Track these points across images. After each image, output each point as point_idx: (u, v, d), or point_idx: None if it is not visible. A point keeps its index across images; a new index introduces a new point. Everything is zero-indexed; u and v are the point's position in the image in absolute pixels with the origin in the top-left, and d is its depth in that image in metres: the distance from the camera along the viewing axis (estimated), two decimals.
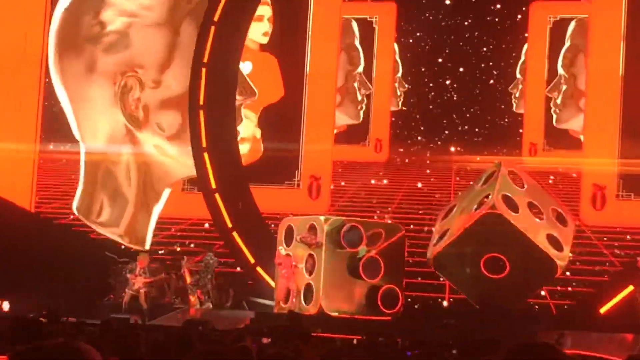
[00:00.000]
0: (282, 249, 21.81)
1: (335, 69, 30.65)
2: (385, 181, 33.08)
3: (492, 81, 33.96)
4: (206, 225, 27.37)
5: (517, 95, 33.86)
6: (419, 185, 32.15)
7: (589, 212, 26.35)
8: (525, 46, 33.26)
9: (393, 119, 34.61)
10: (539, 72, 32.76)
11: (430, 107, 34.35)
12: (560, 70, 32.54)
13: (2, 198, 26.65)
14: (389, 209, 29.35)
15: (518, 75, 33.74)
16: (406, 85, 35.01)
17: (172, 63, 27.34)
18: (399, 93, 35.17)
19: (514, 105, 34.04)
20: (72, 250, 25.40)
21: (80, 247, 25.93)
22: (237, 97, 26.84)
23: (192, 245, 27.22)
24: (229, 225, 25.40)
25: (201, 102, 25.69)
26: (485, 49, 34.21)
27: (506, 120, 33.98)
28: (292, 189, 28.99)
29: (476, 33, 34.07)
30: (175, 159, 27.33)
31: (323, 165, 29.65)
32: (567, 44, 32.41)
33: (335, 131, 31.77)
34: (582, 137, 29.30)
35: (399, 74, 35.05)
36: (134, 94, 27.32)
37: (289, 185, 28.99)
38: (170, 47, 27.46)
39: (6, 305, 22.23)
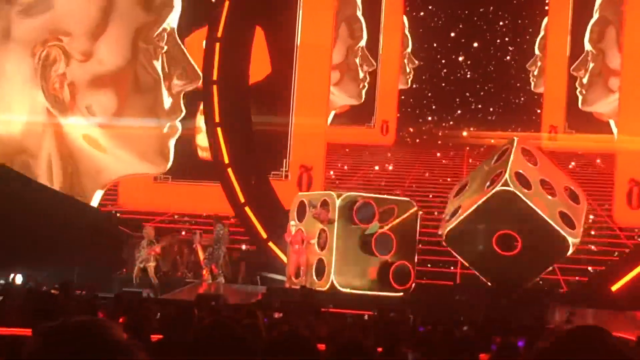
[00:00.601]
0: (293, 225, 21.82)
1: (330, 42, 27.82)
2: (390, 167, 31.48)
3: (507, 57, 32.92)
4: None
5: (535, 73, 32.55)
6: (427, 174, 30.57)
7: (623, 211, 24.62)
8: (546, 19, 31.44)
9: (402, 97, 33.15)
10: (560, 48, 30.51)
11: (443, 84, 33.28)
12: (587, 46, 29.95)
13: (19, 173, 26.41)
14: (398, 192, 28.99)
15: (537, 52, 32.44)
16: (416, 62, 33.45)
17: (106, 31, 22.68)
18: (408, 70, 33.74)
19: (532, 84, 32.82)
20: (85, 224, 25.45)
21: (93, 221, 25.96)
22: (176, 81, 22.99)
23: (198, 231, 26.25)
24: (242, 200, 25.44)
25: (215, 77, 25.63)
26: (501, 23, 32.99)
27: (522, 99, 33.01)
28: (279, 180, 26.64)
29: (491, 8, 32.76)
30: (110, 152, 23.07)
31: (315, 152, 26.99)
32: (595, 16, 29.68)
33: (333, 113, 30.91)
34: (611, 122, 27.73)
35: (409, 50, 33.55)
36: (57, 68, 22.43)
37: (276, 177, 26.59)
38: (103, 10, 22.64)
39: (19, 278, 22.31)
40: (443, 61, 33.06)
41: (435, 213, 24.95)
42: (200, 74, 24.27)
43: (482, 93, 32.77)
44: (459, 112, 33.09)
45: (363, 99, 32.19)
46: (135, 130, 23.28)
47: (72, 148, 22.90)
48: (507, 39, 32.77)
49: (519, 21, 32.33)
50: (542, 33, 32.22)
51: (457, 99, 33.01)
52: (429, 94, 33.55)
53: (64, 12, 22.27)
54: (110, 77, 22.65)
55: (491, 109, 32.91)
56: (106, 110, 22.66)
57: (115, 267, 24.67)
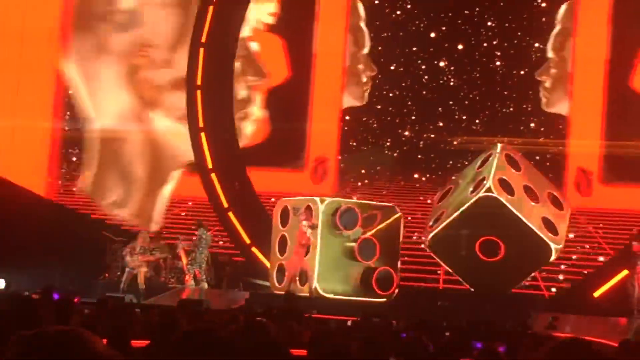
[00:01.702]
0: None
1: (342, 50, 30.01)
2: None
3: (498, 63, 30.09)
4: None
5: (548, 84, 28.68)
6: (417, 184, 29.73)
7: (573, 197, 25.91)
8: (563, 7, 29.12)
9: (350, 118, 30.86)
10: (596, 49, 27.45)
11: (424, 92, 30.56)
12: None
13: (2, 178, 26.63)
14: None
15: (550, 54, 28.77)
16: (375, 68, 30.93)
17: (183, 43, 27.12)
18: (364, 79, 30.96)
19: (544, 100, 29.00)
20: (68, 228, 25.38)
21: (77, 226, 25.90)
22: (250, 77, 26.82)
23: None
24: (225, 205, 25.40)
25: (199, 82, 25.64)
26: (489, 23, 30.06)
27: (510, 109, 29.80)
28: (298, 171, 28.71)
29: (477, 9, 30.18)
30: (187, 139, 27.05)
31: (330, 146, 29.30)
32: (558, 27, 29.84)
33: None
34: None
35: (365, 51, 30.70)
36: (145, 74, 27.56)
37: (295, 168, 28.61)
38: (181, 27, 27.45)
39: (1, 283, 22.23)
40: (424, 67, 30.45)
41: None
42: (266, 72, 28.59)
43: (466, 102, 29.80)
44: (440, 124, 29.94)
45: (366, 100, 31.06)
46: None
47: (156, 136, 27.77)
48: (494, 42, 29.83)
49: (507, 24, 29.68)
50: (557, 27, 28.59)
51: (440, 108, 30.16)
52: (409, 102, 30.54)
53: (150, 29, 27.54)
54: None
55: (477, 120, 29.86)
56: (183, 107, 26.42)
57: (97, 272, 24.62)
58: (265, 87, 29.35)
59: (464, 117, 29.40)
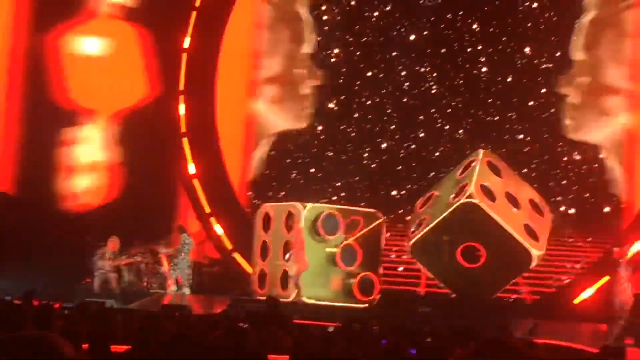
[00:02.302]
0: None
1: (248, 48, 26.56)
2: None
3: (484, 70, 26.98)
4: None
5: (577, 102, 24.12)
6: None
7: None
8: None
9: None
10: None
11: (405, 99, 27.48)
12: None
13: None
14: None
15: (578, 56, 24.42)
16: (319, 72, 27.56)
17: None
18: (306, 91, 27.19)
19: (568, 126, 24.73)
20: (50, 233, 25.29)
21: (59, 230, 25.80)
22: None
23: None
24: (208, 211, 25.42)
25: (181, 87, 25.66)
26: (474, 26, 27.12)
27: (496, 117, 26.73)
28: None
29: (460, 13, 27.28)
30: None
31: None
32: (592, 13, 25.00)
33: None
34: None
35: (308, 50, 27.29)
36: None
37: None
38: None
39: None
40: (404, 73, 27.52)
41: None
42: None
43: (449, 110, 27.01)
44: (422, 134, 27.12)
45: (307, 122, 26.48)
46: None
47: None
48: (479, 47, 26.80)
49: (491, 29, 26.68)
50: (591, 13, 24.14)
51: (421, 116, 27.23)
52: (389, 110, 27.41)
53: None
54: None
55: (461, 130, 26.85)
56: None
57: (79, 277, 24.56)
58: (112, 111, 26.03)
59: (447, 127, 26.77)
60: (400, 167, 26.99)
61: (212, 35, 26.04)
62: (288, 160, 27.07)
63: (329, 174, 26.89)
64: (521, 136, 26.04)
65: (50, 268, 23.43)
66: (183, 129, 25.65)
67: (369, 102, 27.34)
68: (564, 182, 25.33)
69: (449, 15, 27.12)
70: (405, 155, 27.04)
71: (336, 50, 27.34)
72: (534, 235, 20.03)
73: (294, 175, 26.98)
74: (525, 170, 23.80)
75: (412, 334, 12.17)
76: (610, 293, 19.93)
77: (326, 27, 27.35)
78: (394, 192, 26.70)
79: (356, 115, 27.28)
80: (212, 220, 25.44)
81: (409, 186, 26.40)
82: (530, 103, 26.01)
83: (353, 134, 27.34)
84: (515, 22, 26.31)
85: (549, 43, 25.82)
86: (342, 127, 27.51)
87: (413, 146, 26.92)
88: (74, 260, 24.19)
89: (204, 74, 26.03)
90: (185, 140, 25.61)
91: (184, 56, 26.04)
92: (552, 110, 25.60)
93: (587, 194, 24.90)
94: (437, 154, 26.59)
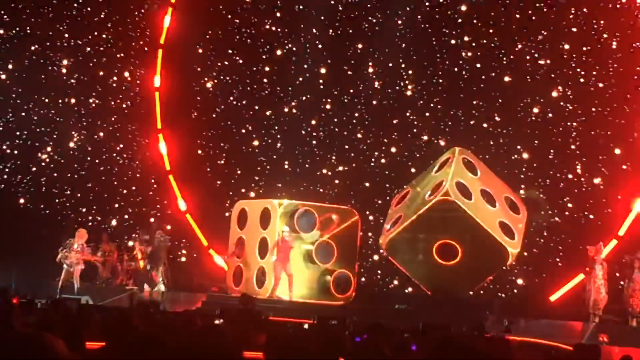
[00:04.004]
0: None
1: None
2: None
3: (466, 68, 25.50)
4: None
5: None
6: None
7: None
8: None
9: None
10: None
11: (374, 102, 26.54)
12: None
13: None
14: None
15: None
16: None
17: None
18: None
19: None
20: (25, 229, 25.19)
21: (33, 227, 25.68)
22: None
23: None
24: (183, 207, 25.40)
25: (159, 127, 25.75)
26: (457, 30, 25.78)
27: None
28: None
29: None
30: None
31: None
32: None
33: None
34: None
35: None
36: None
37: None
38: None
39: None
40: (381, 71, 26.40)
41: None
42: None
43: (427, 114, 25.95)
44: (395, 135, 26.21)
45: None
46: None
47: None
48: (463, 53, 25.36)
49: (476, 29, 25.11)
50: None
51: (395, 120, 26.24)
52: (363, 109, 26.54)
53: None
54: None
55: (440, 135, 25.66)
56: None
57: (54, 273, 24.45)
58: None
59: (425, 130, 25.83)
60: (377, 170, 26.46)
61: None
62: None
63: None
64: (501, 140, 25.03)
65: (24, 265, 23.40)
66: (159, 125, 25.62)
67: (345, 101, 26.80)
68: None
69: (436, 17, 26.08)
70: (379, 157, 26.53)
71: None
72: (510, 233, 20.07)
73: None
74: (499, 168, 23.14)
75: (386, 331, 12.16)
76: (585, 291, 20.01)
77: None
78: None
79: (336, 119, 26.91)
80: (188, 216, 25.39)
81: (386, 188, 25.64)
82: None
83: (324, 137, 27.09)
84: (499, 23, 25.19)
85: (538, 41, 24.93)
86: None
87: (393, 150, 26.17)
88: (48, 257, 24.06)
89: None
90: (161, 137, 25.60)
91: (157, 94, 26.10)
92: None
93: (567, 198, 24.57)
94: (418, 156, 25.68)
